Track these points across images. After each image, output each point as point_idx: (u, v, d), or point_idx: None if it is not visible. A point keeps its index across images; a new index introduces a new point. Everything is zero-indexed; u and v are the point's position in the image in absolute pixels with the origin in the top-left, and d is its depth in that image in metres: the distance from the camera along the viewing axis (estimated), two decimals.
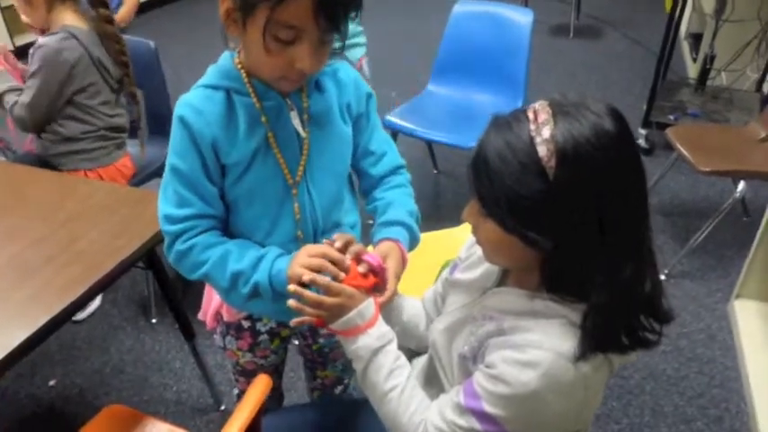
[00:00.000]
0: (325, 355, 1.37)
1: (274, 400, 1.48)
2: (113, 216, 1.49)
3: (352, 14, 0.91)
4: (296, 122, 1.03)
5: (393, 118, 2.57)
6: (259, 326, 1.25)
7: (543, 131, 0.74)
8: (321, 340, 1.33)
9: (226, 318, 1.24)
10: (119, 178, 2.12)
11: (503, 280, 0.95)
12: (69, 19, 1.93)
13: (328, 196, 1.10)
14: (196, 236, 1.03)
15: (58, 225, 1.47)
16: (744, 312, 2.16)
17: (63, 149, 2.02)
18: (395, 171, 1.20)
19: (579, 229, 0.75)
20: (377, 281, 0.99)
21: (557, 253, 0.78)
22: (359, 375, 0.97)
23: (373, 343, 0.94)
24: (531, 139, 0.74)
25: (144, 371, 2.06)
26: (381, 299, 0.99)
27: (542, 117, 0.75)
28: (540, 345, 0.80)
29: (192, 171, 1.00)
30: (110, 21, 1.96)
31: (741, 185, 2.35)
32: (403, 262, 1.07)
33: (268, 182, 1.04)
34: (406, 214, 1.15)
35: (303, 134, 1.04)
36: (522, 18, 2.58)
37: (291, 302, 0.93)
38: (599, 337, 0.79)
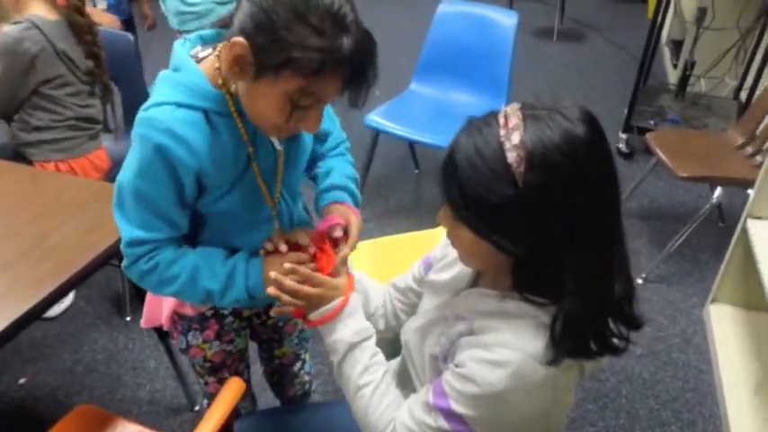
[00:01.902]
0: (280, 330, 1.39)
1: (247, 395, 1.47)
2: (86, 211, 1.46)
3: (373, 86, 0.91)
4: (273, 138, 1.01)
5: (375, 117, 2.56)
6: (222, 309, 1.23)
7: (513, 137, 0.73)
8: (274, 316, 1.33)
9: (190, 312, 1.21)
10: (92, 171, 2.08)
11: (476, 281, 0.95)
12: (37, 9, 1.89)
13: (297, 192, 1.14)
14: (158, 254, 0.98)
15: (29, 220, 1.43)
16: (718, 317, 2.19)
17: (33, 138, 1.98)
18: (337, 146, 1.23)
19: (550, 234, 0.75)
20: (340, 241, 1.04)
21: (528, 257, 0.78)
22: (335, 368, 0.97)
23: (351, 337, 0.95)
24: (501, 144, 0.73)
25: (117, 370, 2.03)
26: (345, 251, 1.03)
27: (513, 122, 0.74)
28: (509, 344, 0.79)
29: (162, 200, 0.93)
30: (80, 11, 1.94)
31: (718, 192, 2.38)
32: (356, 221, 1.11)
33: (249, 200, 1.02)
34: (347, 179, 1.17)
35: (279, 147, 1.02)
36: (507, 20, 2.58)
37: (271, 290, 0.94)
38: (567, 343, 0.78)
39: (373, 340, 0.98)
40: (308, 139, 1.11)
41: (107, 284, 2.35)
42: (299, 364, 1.49)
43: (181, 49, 0.95)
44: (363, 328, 0.97)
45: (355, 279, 1.09)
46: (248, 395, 1.49)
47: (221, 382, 1.34)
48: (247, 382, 1.44)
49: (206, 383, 1.36)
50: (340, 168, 1.18)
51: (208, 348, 1.28)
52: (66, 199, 1.51)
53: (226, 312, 1.24)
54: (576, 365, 0.83)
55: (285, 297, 0.95)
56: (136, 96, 2.29)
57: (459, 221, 0.80)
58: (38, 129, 1.98)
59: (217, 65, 0.92)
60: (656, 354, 2.11)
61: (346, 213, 1.10)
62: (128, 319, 2.21)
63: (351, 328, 0.96)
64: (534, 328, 0.80)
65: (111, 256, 1.39)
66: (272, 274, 0.95)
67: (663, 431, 1.85)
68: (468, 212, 0.77)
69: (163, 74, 0.94)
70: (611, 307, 0.81)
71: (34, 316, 1.23)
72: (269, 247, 1.02)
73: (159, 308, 1.25)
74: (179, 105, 0.90)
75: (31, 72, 1.88)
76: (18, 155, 2.00)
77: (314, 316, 0.97)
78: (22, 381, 1.98)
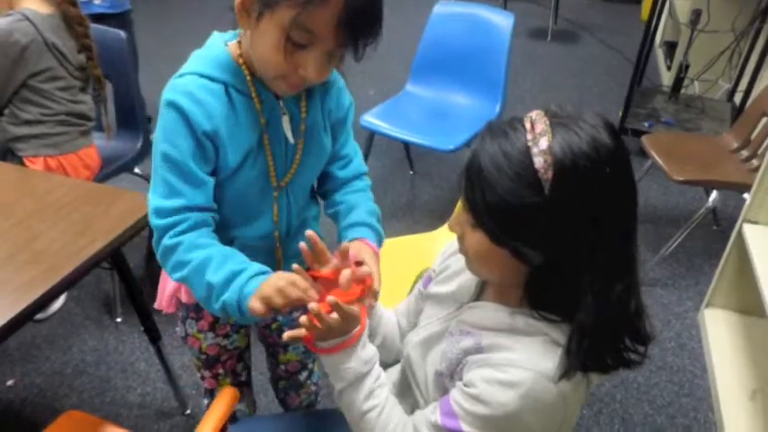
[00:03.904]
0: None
1: (246, 398, 1.44)
2: (74, 214, 1.43)
3: (370, 41, 0.90)
4: (286, 126, 1.02)
5: (370, 118, 2.54)
6: None
7: (540, 142, 0.72)
8: (280, 318, 1.33)
9: (184, 299, 1.21)
10: (82, 169, 2.05)
11: (481, 294, 0.93)
12: (31, 3, 1.88)
13: (302, 199, 1.14)
14: (184, 232, 0.97)
15: (15, 222, 1.40)
16: (713, 322, 2.19)
17: (22, 132, 1.95)
18: (358, 176, 1.21)
19: (571, 244, 0.73)
20: (363, 288, 0.95)
21: (545, 268, 0.76)
22: (336, 392, 0.93)
23: (361, 367, 0.90)
24: (528, 149, 0.72)
25: (107, 372, 2.00)
26: (370, 300, 0.96)
27: (539, 127, 0.73)
28: (520, 364, 0.78)
29: (183, 156, 0.94)
30: (73, 3, 1.92)
31: (713, 195, 2.37)
32: (376, 259, 1.06)
33: (253, 182, 1.03)
34: (370, 216, 1.15)
35: (291, 140, 1.03)
36: (503, 21, 2.56)
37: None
38: (583, 358, 0.77)
39: (378, 364, 0.93)
40: (325, 141, 1.10)
41: (97, 285, 2.32)
42: (305, 374, 1.46)
43: (216, 34, 1.01)
44: (371, 357, 0.92)
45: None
46: (248, 398, 1.46)
47: (216, 378, 1.35)
48: (246, 384, 1.43)
49: (202, 378, 1.36)
50: (362, 204, 1.16)
51: (203, 339, 1.28)
52: (54, 200, 1.48)
53: None
54: (584, 382, 0.81)
55: (303, 318, 0.87)
56: (128, 95, 2.27)
57: (475, 226, 0.78)
58: (28, 122, 1.95)
59: (239, 49, 0.97)
60: (650, 358, 2.08)
61: (360, 250, 1.04)
62: (118, 320, 2.18)
63: (361, 358, 0.90)
64: (545, 345, 0.79)
65: (101, 260, 1.36)
66: (313, 305, 0.86)
67: None
68: (490, 217, 0.76)
69: (194, 52, 1.00)
70: (626, 320, 0.79)
71: (21, 321, 1.20)
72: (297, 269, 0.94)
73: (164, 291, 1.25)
74: (201, 75, 0.95)
75: (20, 64, 1.86)
76: (7, 152, 1.97)
77: (325, 345, 0.90)
78: (9, 382, 1.95)
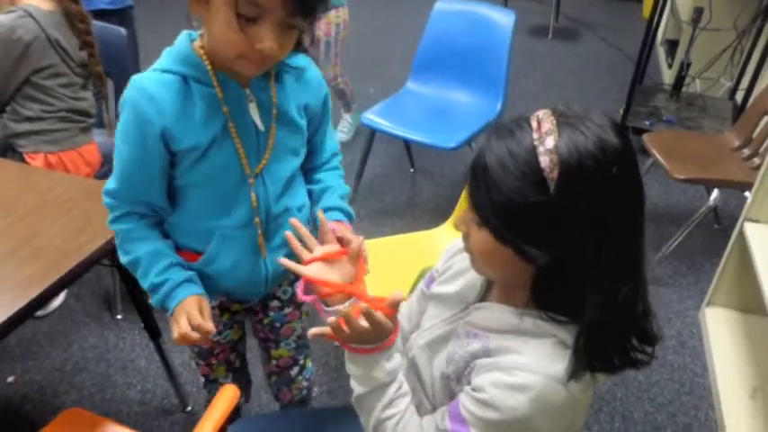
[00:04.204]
0: (277, 331, 1.39)
1: (241, 388, 1.45)
2: (75, 210, 1.43)
3: (320, 9, 0.92)
4: (254, 113, 1.05)
5: (370, 116, 2.53)
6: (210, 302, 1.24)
7: (546, 141, 0.71)
8: (271, 314, 1.35)
9: None
10: (82, 165, 2.05)
11: (486, 294, 0.92)
12: None
13: (281, 183, 1.14)
14: (121, 218, 1.08)
15: (16, 219, 1.40)
16: (714, 320, 2.18)
17: (23, 129, 1.95)
18: (332, 156, 1.27)
19: (577, 244, 0.73)
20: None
21: (551, 268, 0.75)
22: (354, 396, 0.92)
23: (384, 378, 0.89)
24: (534, 148, 0.72)
25: (107, 369, 2.00)
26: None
27: (546, 126, 0.72)
28: (529, 367, 0.77)
29: (129, 156, 1.02)
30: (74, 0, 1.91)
31: (714, 194, 2.37)
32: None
33: (224, 171, 1.06)
34: (343, 200, 1.23)
35: (261, 127, 1.06)
36: (504, 19, 2.56)
37: (332, 320, 0.87)
38: (590, 358, 0.76)
39: (401, 373, 0.92)
40: (299, 125, 1.12)
41: (97, 282, 2.32)
42: (296, 369, 1.48)
43: (184, 32, 1.03)
44: (397, 366, 0.91)
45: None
46: (243, 383, 1.50)
47: (210, 366, 1.40)
48: (241, 370, 1.47)
49: (197, 364, 1.41)
50: (334, 187, 1.23)
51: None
52: (54, 197, 1.48)
53: (213, 305, 1.24)
54: (592, 383, 0.81)
55: (332, 319, 0.86)
56: None
57: (481, 226, 0.78)
58: (29, 119, 1.95)
59: (201, 41, 1.00)
60: (655, 357, 2.10)
61: (338, 228, 1.08)
62: (118, 317, 2.18)
63: (385, 368, 0.89)
64: (553, 348, 0.78)
65: (101, 257, 1.36)
66: (332, 319, 0.87)
67: None
68: (495, 216, 0.75)
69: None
70: (633, 320, 0.79)
71: (22, 318, 1.20)
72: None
73: None
74: (160, 71, 1.00)
75: (23, 60, 1.86)
76: (7, 148, 1.97)
77: (354, 345, 0.89)
78: (10, 379, 1.95)
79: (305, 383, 1.51)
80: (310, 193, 1.24)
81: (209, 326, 1.03)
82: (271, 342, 1.42)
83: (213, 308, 1.24)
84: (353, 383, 0.92)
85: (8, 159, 1.83)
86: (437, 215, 2.56)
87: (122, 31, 2.21)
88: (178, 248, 1.14)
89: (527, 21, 4.91)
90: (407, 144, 3.01)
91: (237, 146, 1.04)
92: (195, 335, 1.02)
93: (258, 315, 1.37)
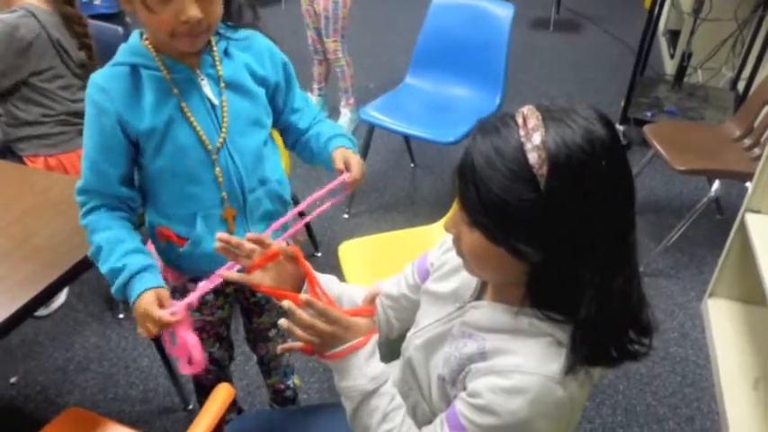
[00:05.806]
0: (261, 306, 1.48)
1: (224, 351, 1.53)
2: (73, 210, 1.42)
3: None
4: (207, 90, 1.10)
5: (370, 111, 2.53)
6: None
7: (534, 137, 0.70)
8: (259, 295, 1.43)
9: (171, 281, 1.29)
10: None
11: (482, 292, 0.91)
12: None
13: (250, 156, 1.17)
14: (90, 212, 1.12)
15: (14, 219, 1.40)
16: (716, 312, 2.17)
17: (22, 134, 1.96)
18: (317, 120, 1.30)
19: (569, 240, 0.72)
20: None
21: (545, 265, 0.75)
22: (349, 414, 0.91)
23: (367, 385, 0.87)
24: (521, 145, 0.71)
25: (109, 368, 2.00)
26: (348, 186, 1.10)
27: (532, 122, 0.71)
28: (526, 369, 0.76)
29: (93, 149, 1.08)
30: (69, 2, 1.92)
31: (716, 184, 2.36)
32: (359, 159, 1.18)
33: (187, 151, 1.10)
34: (341, 129, 1.28)
35: (216, 102, 1.11)
36: (503, 12, 2.54)
37: (282, 322, 0.86)
38: (588, 352, 0.76)
39: (390, 383, 0.90)
40: (254, 91, 1.15)
41: (98, 282, 2.31)
42: (273, 331, 1.55)
43: (136, 30, 1.10)
44: (378, 374, 0.88)
45: (342, 290, 1.04)
46: (227, 349, 1.55)
47: (201, 340, 1.39)
48: (227, 338, 1.52)
49: None
50: (329, 124, 1.29)
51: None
52: (52, 197, 1.49)
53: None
54: (588, 380, 0.80)
55: (298, 331, 0.86)
56: None
57: (471, 227, 0.77)
58: (28, 124, 1.95)
59: (147, 34, 1.08)
60: (653, 348, 2.09)
61: (345, 154, 1.17)
62: (120, 316, 2.19)
63: (366, 374, 0.87)
64: (549, 347, 0.78)
65: None
66: (282, 321, 0.86)
67: (660, 427, 1.84)
68: (486, 216, 0.74)
69: None
70: (629, 313, 0.78)
71: (21, 317, 1.20)
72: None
73: None
74: (113, 65, 1.08)
75: (25, 56, 1.86)
76: (6, 150, 1.98)
77: (327, 352, 0.88)
78: (12, 380, 1.96)
79: (280, 341, 1.55)
80: (310, 147, 1.27)
81: (168, 319, 1.02)
82: (254, 313, 1.50)
83: (209, 293, 1.22)
84: (344, 402, 0.90)
85: (7, 161, 1.83)
86: (437, 210, 2.55)
87: (119, 30, 2.22)
88: (177, 237, 1.18)
89: (528, 13, 4.89)
90: (407, 139, 3.00)
91: (193, 124, 1.09)
92: (155, 330, 1.04)
93: (246, 294, 1.44)
